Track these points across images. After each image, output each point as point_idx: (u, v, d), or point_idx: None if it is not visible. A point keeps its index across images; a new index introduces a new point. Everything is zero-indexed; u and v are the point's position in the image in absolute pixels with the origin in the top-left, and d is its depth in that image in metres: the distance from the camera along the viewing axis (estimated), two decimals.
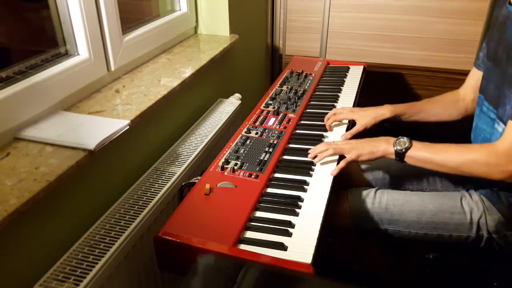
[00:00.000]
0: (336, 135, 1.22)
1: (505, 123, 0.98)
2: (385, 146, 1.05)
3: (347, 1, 2.08)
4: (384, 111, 1.24)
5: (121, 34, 1.22)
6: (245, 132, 1.21)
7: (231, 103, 1.56)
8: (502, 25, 1.05)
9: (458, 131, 1.27)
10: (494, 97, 1.04)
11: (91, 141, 0.89)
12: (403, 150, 1.02)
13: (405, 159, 1.03)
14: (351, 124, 1.27)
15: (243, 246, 0.82)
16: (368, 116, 1.22)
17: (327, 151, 1.08)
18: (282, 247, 0.81)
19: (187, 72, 1.31)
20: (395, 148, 1.03)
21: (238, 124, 1.49)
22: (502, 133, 1.00)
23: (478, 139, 1.13)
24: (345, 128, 1.26)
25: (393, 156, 1.04)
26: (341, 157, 1.09)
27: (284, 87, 1.51)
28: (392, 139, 1.05)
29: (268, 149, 1.12)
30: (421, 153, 1.01)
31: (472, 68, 1.26)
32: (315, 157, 1.09)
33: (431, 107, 1.28)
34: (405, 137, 1.04)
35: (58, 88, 1.02)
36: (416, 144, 1.02)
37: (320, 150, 1.09)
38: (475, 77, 1.21)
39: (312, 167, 1.07)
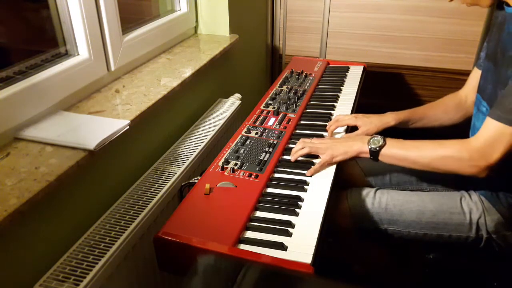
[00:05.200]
0: None
1: None
2: (359, 145, 1.06)
3: (347, 1, 2.08)
4: (388, 119, 1.23)
5: (121, 34, 1.22)
6: (245, 132, 1.21)
7: (231, 103, 1.56)
8: (500, 25, 1.05)
9: (457, 130, 1.27)
10: (492, 98, 1.04)
11: (91, 141, 0.89)
12: (377, 148, 1.03)
13: (379, 158, 1.03)
14: (350, 129, 1.27)
15: (243, 246, 0.82)
16: (371, 123, 1.21)
17: (303, 149, 1.08)
18: (282, 247, 0.81)
19: (187, 72, 1.31)
20: (369, 147, 1.04)
21: (238, 124, 1.49)
22: None
23: None
24: (343, 134, 1.24)
25: (368, 155, 1.04)
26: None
27: (284, 87, 1.51)
28: (367, 138, 1.06)
29: (268, 149, 1.12)
30: (395, 150, 1.02)
31: (473, 68, 1.25)
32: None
33: (433, 112, 1.28)
34: (379, 136, 1.04)
35: (58, 88, 1.02)
36: (389, 141, 1.03)
37: (296, 149, 1.09)
38: (476, 77, 1.21)
39: (312, 167, 1.07)
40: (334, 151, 1.06)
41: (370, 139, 1.05)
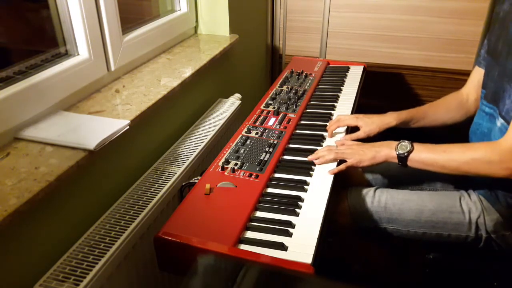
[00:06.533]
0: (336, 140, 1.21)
1: (505, 119, 0.98)
2: (387, 151, 1.05)
3: (347, 1, 2.08)
4: (389, 120, 1.22)
5: (121, 34, 1.22)
6: (245, 132, 1.21)
7: (231, 103, 1.56)
8: (503, 20, 1.05)
9: (456, 126, 1.27)
10: (491, 92, 1.04)
11: (91, 141, 0.90)
12: (406, 154, 1.02)
13: (408, 163, 1.02)
14: (350, 130, 1.26)
15: (243, 246, 0.82)
16: (373, 123, 1.21)
17: (329, 155, 1.08)
18: (282, 247, 0.81)
19: (187, 72, 1.31)
20: (397, 153, 1.03)
21: (238, 124, 1.49)
22: (501, 128, 1.00)
23: (476, 133, 1.13)
24: (343, 134, 1.23)
25: (396, 161, 1.03)
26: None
27: (284, 87, 1.51)
28: (394, 143, 1.05)
29: (268, 149, 1.12)
30: (424, 155, 1.01)
31: (473, 67, 1.25)
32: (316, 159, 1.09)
33: (434, 112, 1.27)
34: (406, 141, 1.03)
35: (58, 88, 1.02)
36: (417, 146, 1.02)
37: (322, 154, 1.09)
38: (477, 75, 1.21)
39: (312, 167, 1.07)
40: (362, 156, 1.06)
41: (398, 144, 1.04)
